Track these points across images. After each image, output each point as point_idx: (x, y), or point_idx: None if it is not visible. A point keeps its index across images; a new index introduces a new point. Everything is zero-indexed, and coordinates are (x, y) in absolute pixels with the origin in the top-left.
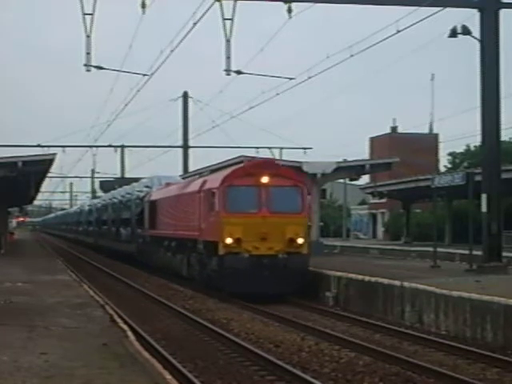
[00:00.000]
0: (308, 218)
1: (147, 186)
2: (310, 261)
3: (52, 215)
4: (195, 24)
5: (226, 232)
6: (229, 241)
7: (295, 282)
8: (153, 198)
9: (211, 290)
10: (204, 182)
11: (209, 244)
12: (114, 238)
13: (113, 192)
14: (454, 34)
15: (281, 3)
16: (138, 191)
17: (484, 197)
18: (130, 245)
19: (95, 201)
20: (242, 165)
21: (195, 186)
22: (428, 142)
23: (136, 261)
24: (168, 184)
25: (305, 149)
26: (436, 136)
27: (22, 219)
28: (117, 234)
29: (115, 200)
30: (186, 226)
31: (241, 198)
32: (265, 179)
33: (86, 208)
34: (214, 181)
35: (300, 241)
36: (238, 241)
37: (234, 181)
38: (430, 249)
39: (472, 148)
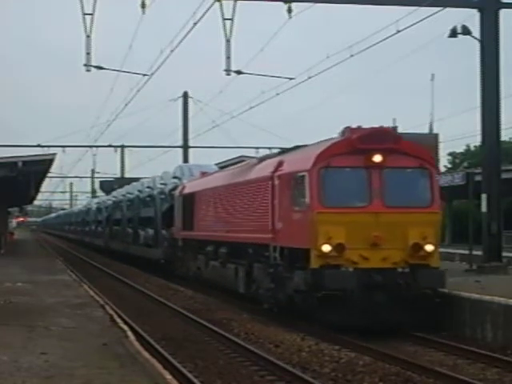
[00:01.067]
0: (440, 214)
1: (176, 177)
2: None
3: (53, 215)
4: (195, 24)
5: (321, 235)
6: (326, 248)
7: (423, 310)
8: (188, 190)
9: (283, 315)
10: (280, 164)
11: (292, 252)
12: (130, 241)
13: (127, 187)
14: (454, 34)
15: (281, 3)
16: (162, 184)
17: (484, 197)
18: (153, 250)
19: (104, 198)
20: (344, 137)
21: (263, 170)
22: (428, 142)
23: (161, 269)
24: (204, 173)
25: None
26: (436, 136)
27: (22, 219)
28: (134, 236)
29: (131, 196)
30: (248, 226)
31: (344, 186)
32: (378, 158)
33: (94, 206)
34: (301, 161)
35: (429, 248)
36: (339, 248)
37: (333, 160)
38: None
39: (472, 148)
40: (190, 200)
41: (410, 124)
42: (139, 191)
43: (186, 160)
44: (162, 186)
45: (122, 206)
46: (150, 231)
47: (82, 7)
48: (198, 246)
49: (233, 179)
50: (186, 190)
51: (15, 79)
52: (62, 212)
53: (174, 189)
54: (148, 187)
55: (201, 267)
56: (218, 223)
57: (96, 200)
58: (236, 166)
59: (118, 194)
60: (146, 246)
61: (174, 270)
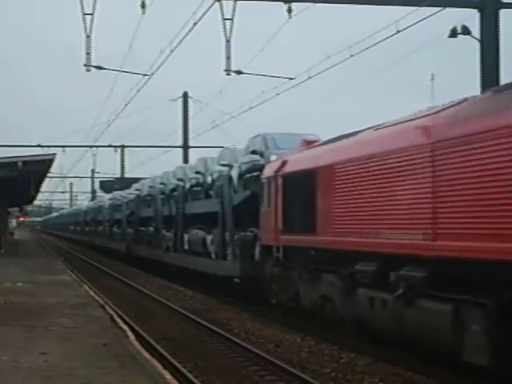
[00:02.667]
0: None
1: (255, 152)
2: None
3: (56, 214)
4: (195, 24)
5: None
6: None
7: None
8: (294, 168)
9: None
10: None
11: None
12: (167, 247)
13: (153, 178)
14: (454, 34)
15: (281, 3)
16: (225, 166)
17: None
18: (217, 262)
19: (121, 192)
20: None
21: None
22: None
23: (232, 290)
24: (310, 142)
25: None
26: None
27: (22, 219)
28: (176, 241)
29: (166, 187)
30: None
31: None
32: None
33: (107, 202)
34: None
35: None
36: None
37: None
38: None
39: None
40: (301, 184)
41: None
42: (180, 180)
43: (186, 160)
44: (225, 169)
45: (151, 200)
46: (215, 234)
47: (82, 7)
48: (322, 261)
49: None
50: (290, 168)
51: (15, 79)
52: (65, 211)
53: (254, 170)
54: (197, 172)
55: (333, 297)
56: (391, 221)
57: (109, 196)
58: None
59: (143, 185)
60: (197, 254)
61: (274, 299)
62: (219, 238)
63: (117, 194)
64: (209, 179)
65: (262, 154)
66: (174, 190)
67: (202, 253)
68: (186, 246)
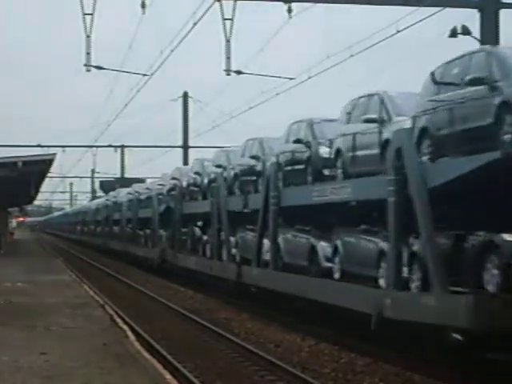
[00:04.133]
0: None
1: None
2: None
3: (58, 213)
4: (195, 24)
5: None
6: None
7: None
8: None
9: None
10: None
11: None
12: (256, 258)
13: (200, 160)
14: (454, 34)
15: (281, 3)
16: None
17: None
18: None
19: (141, 185)
20: None
21: None
22: None
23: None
24: None
25: None
26: None
27: (21, 219)
28: (259, 249)
29: (229, 169)
30: None
31: None
32: None
33: (125, 198)
34: None
35: None
36: None
37: None
38: None
39: None
40: None
41: None
42: (259, 158)
43: (185, 160)
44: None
45: (198, 192)
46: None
47: (82, 7)
48: None
49: None
50: None
51: (15, 78)
52: (70, 209)
53: None
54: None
55: None
56: None
57: (127, 189)
58: None
59: (182, 173)
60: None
61: None
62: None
63: (136, 186)
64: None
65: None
66: (253, 172)
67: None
68: (286, 257)
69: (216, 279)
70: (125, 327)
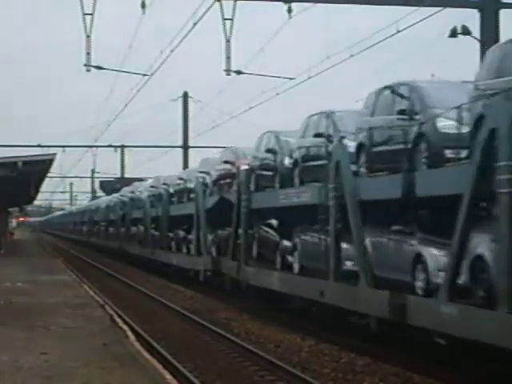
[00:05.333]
0: None
1: None
2: None
3: (60, 213)
4: (195, 24)
5: None
6: None
7: None
8: None
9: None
10: None
11: None
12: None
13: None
14: (454, 34)
15: (281, 3)
16: None
17: None
18: None
19: (172, 176)
20: None
21: None
22: None
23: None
24: None
25: None
26: None
27: (22, 219)
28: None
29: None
30: None
31: None
32: None
33: (146, 193)
34: None
35: None
36: None
37: None
38: None
39: None
40: None
41: None
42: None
43: (185, 160)
44: None
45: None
46: None
47: (82, 7)
48: None
49: None
50: None
51: (15, 78)
52: (74, 207)
53: None
54: None
55: None
56: None
57: (148, 182)
58: None
59: (239, 155)
60: None
61: None
62: None
63: (162, 178)
64: None
65: None
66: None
67: None
68: (377, 269)
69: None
70: (125, 327)
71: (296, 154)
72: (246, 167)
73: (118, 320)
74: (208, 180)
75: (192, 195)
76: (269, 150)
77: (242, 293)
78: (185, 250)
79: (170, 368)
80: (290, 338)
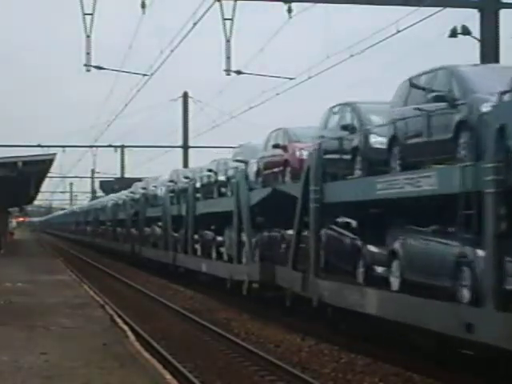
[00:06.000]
0: None
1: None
2: None
3: (61, 212)
4: (195, 24)
5: None
6: None
7: None
8: None
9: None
10: None
11: None
12: None
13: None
14: (454, 34)
15: (281, 3)
16: None
17: None
18: None
19: (194, 168)
20: None
21: None
22: None
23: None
24: None
25: None
26: None
27: (21, 219)
28: None
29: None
30: None
31: None
32: None
33: (162, 190)
34: None
35: None
36: None
37: None
38: None
39: None
40: None
41: None
42: None
43: (185, 160)
44: None
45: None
46: None
47: (82, 7)
48: None
49: None
50: None
51: (15, 78)
52: (76, 207)
53: None
54: None
55: None
56: None
57: (163, 177)
58: None
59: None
60: None
61: None
62: None
63: (182, 171)
64: None
65: None
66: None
67: None
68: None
69: None
70: (125, 327)
71: (393, 130)
72: (314, 149)
73: (118, 320)
74: (248, 170)
75: (223, 189)
76: (345, 127)
77: (312, 314)
78: (214, 255)
79: (169, 368)
80: (290, 338)
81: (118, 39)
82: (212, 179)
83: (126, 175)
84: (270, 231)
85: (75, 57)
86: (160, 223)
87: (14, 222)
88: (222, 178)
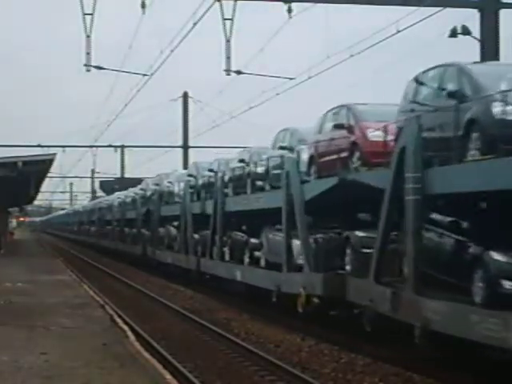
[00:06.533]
0: None
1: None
2: None
3: (62, 212)
4: (195, 24)
5: None
6: None
7: None
8: None
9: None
10: None
11: None
12: None
13: None
14: (454, 34)
15: (281, 3)
16: None
17: None
18: None
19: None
20: None
21: None
22: None
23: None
24: None
25: None
26: None
27: (22, 219)
28: None
29: None
30: None
31: None
32: None
33: (180, 185)
34: None
35: None
36: None
37: None
38: None
39: None
40: None
41: None
42: None
43: (185, 160)
44: None
45: None
46: None
47: (82, 7)
48: None
49: None
50: None
51: (15, 78)
52: (79, 206)
53: None
54: None
55: None
56: None
57: (178, 172)
58: None
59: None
60: None
61: None
62: None
63: (205, 163)
64: None
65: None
66: None
67: None
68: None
69: None
70: (125, 327)
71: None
72: (408, 125)
73: (118, 320)
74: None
75: (260, 183)
76: (451, 94)
77: (417, 344)
78: (246, 260)
79: (170, 368)
80: (289, 338)
81: (118, 39)
82: (245, 171)
83: (126, 175)
84: (329, 232)
85: (75, 57)
86: (175, 223)
87: (14, 222)
88: (257, 169)
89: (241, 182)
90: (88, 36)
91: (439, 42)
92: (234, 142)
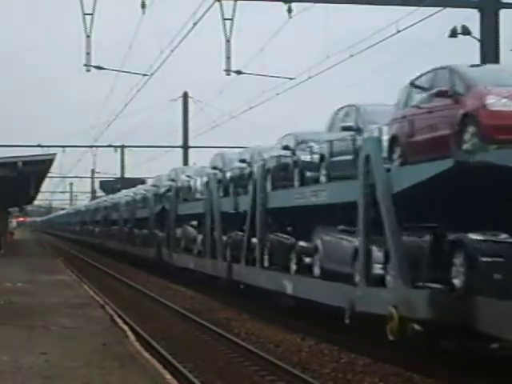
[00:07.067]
0: None
1: None
2: None
3: (63, 212)
4: (195, 24)
5: None
6: None
7: None
8: None
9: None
10: None
11: None
12: None
13: None
14: (454, 34)
15: (281, 3)
16: None
17: None
18: None
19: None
20: None
21: None
22: None
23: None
24: None
25: None
26: None
27: (22, 219)
28: None
29: None
30: None
31: None
32: None
33: (202, 180)
34: None
35: None
36: None
37: None
38: None
39: None
40: None
41: None
42: None
43: (185, 160)
44: None
45: None
46: None
47: (82, 7)
48: None
49: None
50: None
51: (15, 78)
52: (82, 205)
53: None
54: None
55: None
56: None
57: (194, 166)
58: None
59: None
60: None
61: None
62: None
63: (231, 154)
64: None
65: None
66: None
67: None
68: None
69: None
70: (125, 327)
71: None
72: None
73: (118, 320)
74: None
75: (309, 173)
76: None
77: None
78: (294, 268)
79: (170, 368)
80: (290, 338)
81: (118, 39)
82: (289, 160)
83: (126, 175)
84: (425, 233)
85: (75, 57)
86: (193, 222)
87: (14, 222)
88: (306, 157)
89: (283, 173)
90: (88, 36)
91: (439, 42)
92: (234, 142)
